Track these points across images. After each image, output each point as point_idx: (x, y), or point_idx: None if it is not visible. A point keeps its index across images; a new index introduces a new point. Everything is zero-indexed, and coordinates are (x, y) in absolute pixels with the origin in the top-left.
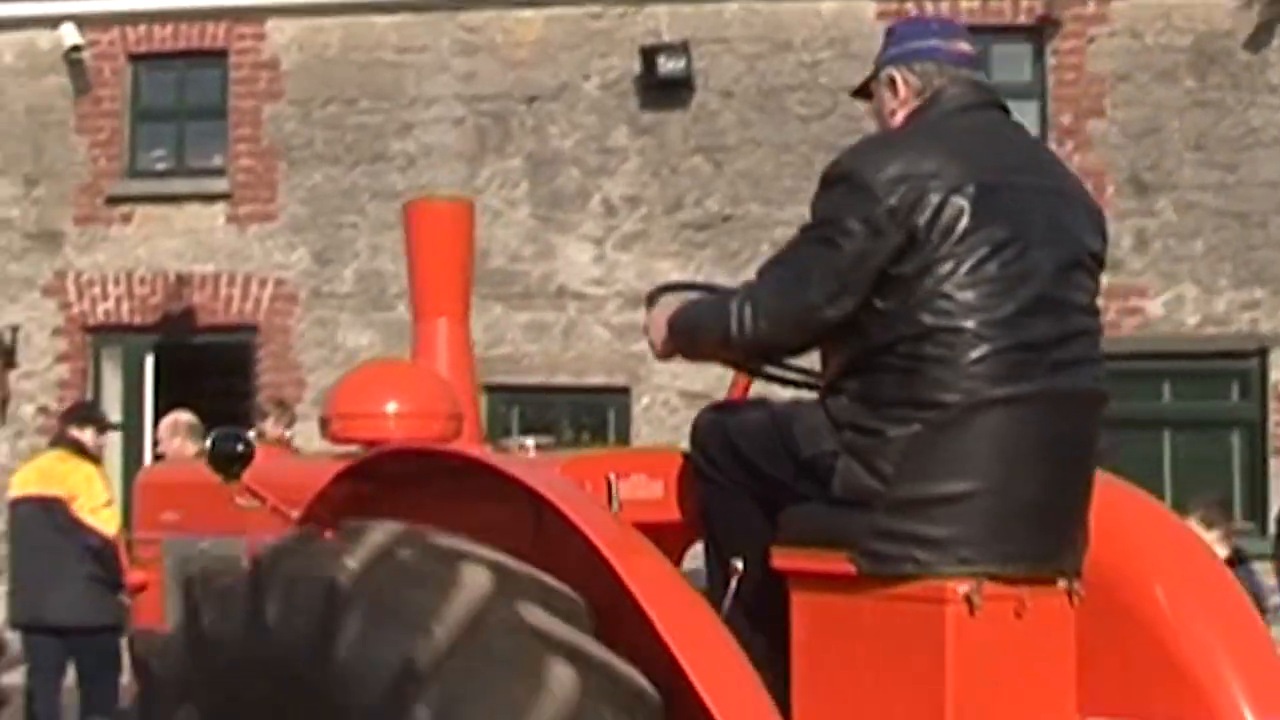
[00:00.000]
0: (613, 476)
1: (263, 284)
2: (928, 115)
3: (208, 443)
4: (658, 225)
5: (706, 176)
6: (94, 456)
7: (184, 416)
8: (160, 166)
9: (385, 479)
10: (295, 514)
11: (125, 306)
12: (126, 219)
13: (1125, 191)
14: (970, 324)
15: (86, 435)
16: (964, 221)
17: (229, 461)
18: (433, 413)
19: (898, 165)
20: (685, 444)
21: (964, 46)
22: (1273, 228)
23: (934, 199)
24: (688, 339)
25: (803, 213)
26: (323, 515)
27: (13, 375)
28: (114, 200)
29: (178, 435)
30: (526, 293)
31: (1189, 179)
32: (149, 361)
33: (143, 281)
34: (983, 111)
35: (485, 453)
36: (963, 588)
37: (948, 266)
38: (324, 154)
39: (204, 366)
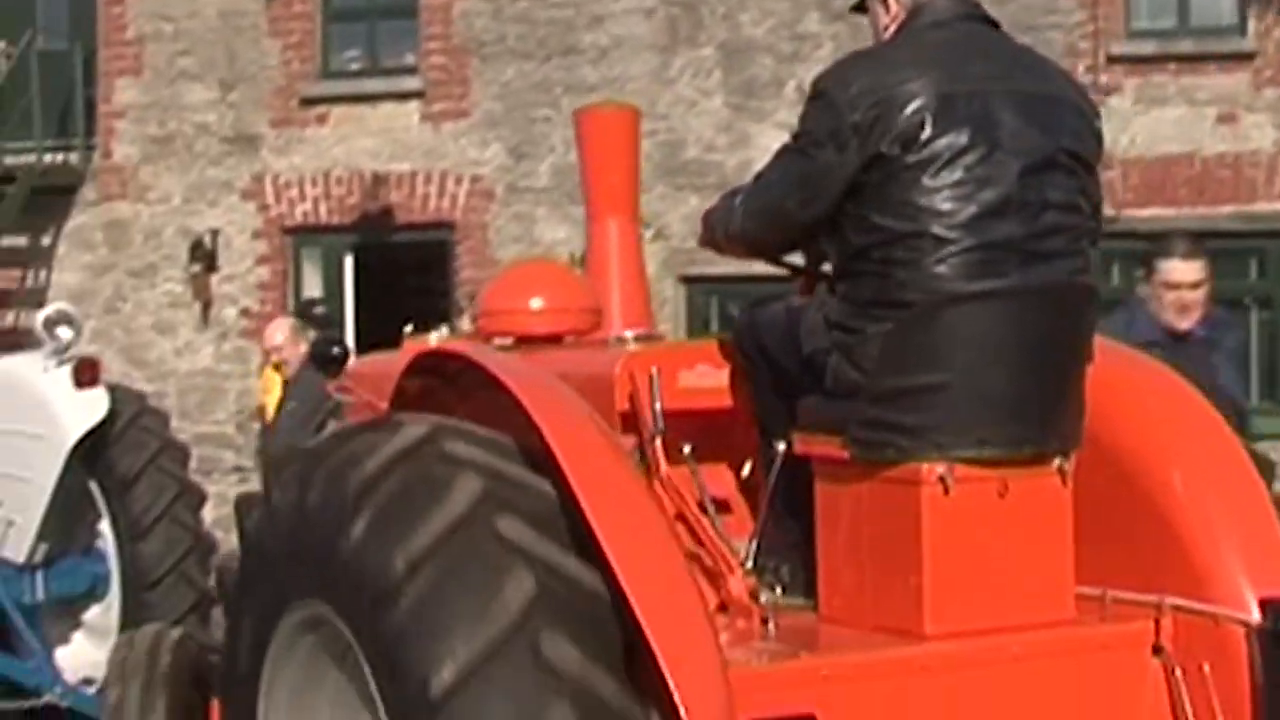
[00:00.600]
0: (654, 369)
1: (459, 181)
2: (907, 30)
3: (306, 348)
4: None
5: None
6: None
7: (288, 321)
8: (353, 67)
9: (444, 374)
10: (383, 406)
11: (323, 207)
12: (322, 120)
13: None
14: (935, 228)
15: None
16: (926, 130)
17: (326, 363)
18: (568, 308)
19: (864, 81)
20: None
21: None
22: None
23: (897, 111)
24: (709, 233)
25: None
26: (401, 408)
27: (214, 279)
28: (308, 102)
29: (300, 341)
30: (722, 182)
31: None
32: (348, 261)
33: (339, 182)
34: (962, 23)
35: (477, 348)
36: (938, 469)
37: (913, 174)
38: (516, 49)
39: (402, 264)
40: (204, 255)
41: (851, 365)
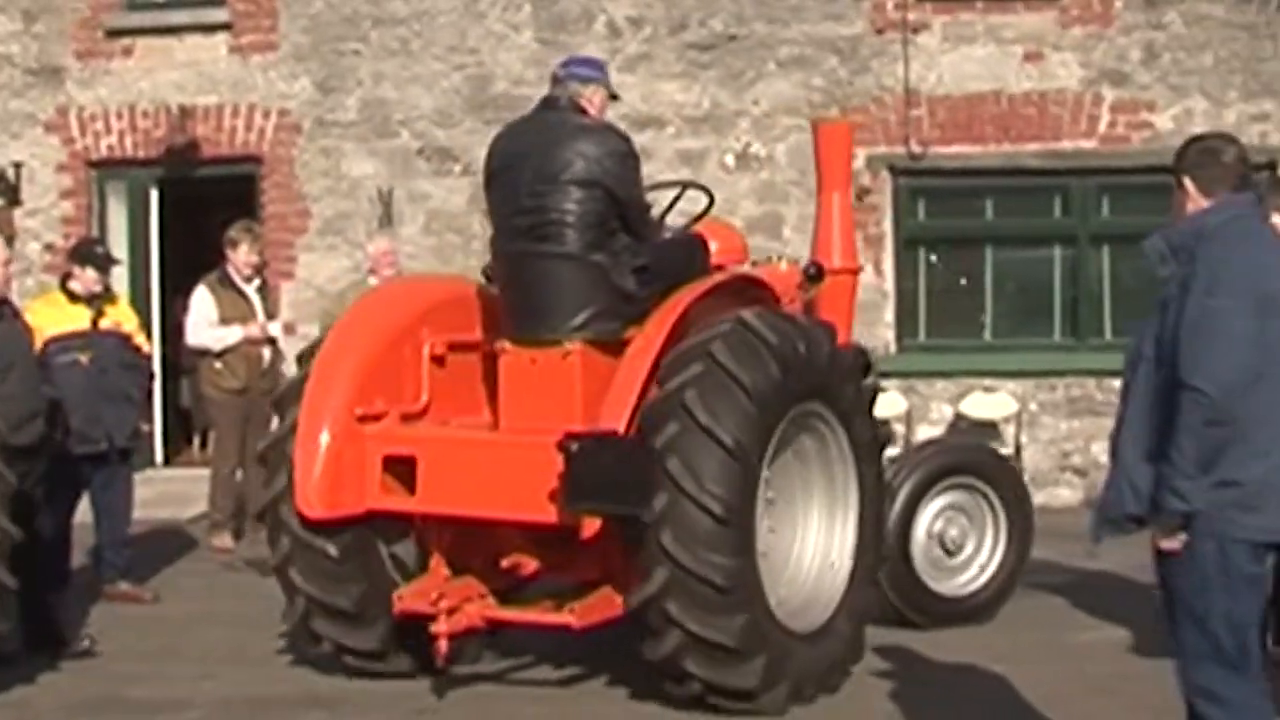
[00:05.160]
0: None
1: (266, 114)
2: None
3: None
4: (662, 46)
5: None
6: (84, 298)
7: None
8: None
9: None
10: None
11: (128, 140)
12: (127, 52)
13: (1134, 4)
14: (495, 218)
15: (87, 275)
16: (491, 169)
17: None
18: (729, 249)
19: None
20: None
21: (557, 71)
22: None
23: (488, 159)
24: None
25: (807, 30)
26: None
27: (17, 213)
28: (114, 33)
29: None
30: None
31: None
32: (153, 195)
33: (145, 115)
34: (540, 110)
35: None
36: (504, 345)
37: (490, 192)
38: None
39: (209, 199)
40: (7, 189)
41: None
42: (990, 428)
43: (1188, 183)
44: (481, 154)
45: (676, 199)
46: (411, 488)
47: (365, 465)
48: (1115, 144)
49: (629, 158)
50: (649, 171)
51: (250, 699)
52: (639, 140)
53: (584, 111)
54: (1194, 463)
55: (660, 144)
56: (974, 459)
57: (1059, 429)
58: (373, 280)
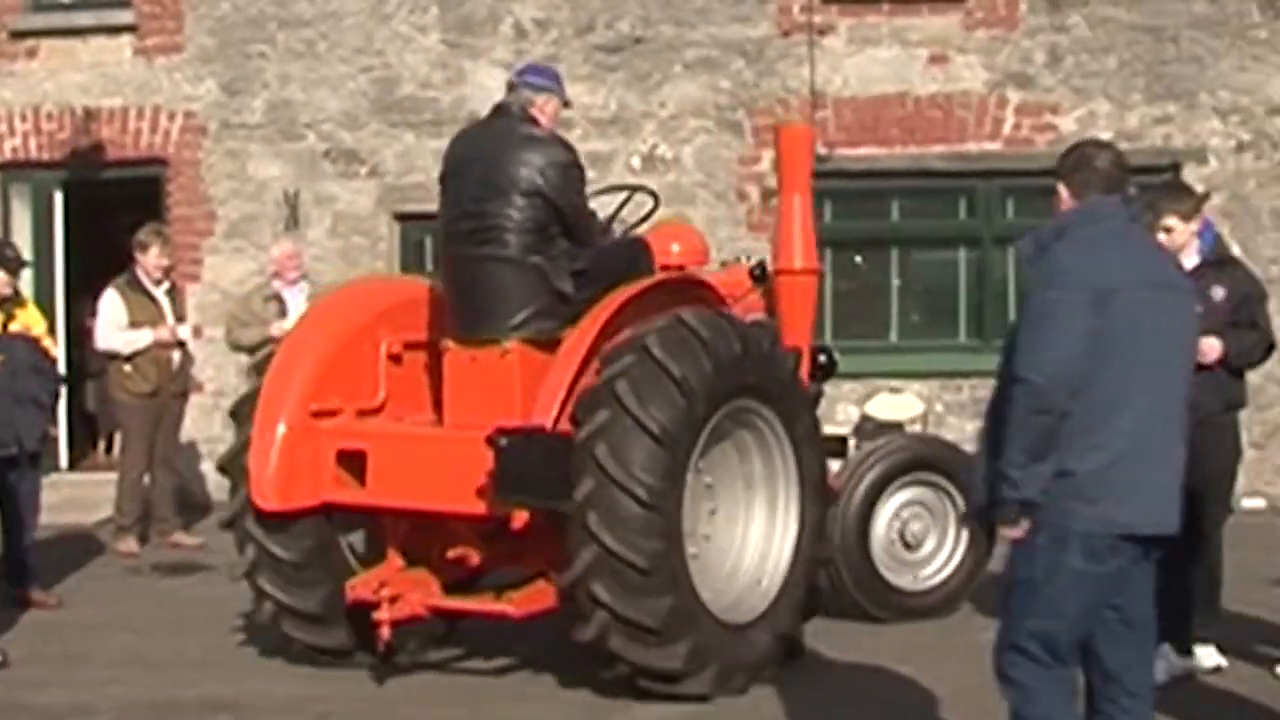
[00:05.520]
0: None
1: (171, 116)
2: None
3: None
4: (569, 48)
5: None
6: None
7: None
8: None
9: None
10: None
11: (32, 143)
12: (31, 54)
13: (1038, 7)
14: (441, 222)
15: None
16: (442, 175)
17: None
18: (690, 250)
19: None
20: None
21: (512, 79)
22: (1184, 42)
23: (443, 165)
24: None
25: (714, 33)
26: None
27: None
28: (18, 35)
29: None
30: (437, 120)
31: None
32: (58, 198)
33: (50, 117)
34: (492, 116)
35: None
36: (448, 344)
37: (441, 195)
38: None
39: (114, 201)
40: None
41: None
42: (896, 429)
43: (1061, 188)
44: (388, 156)
45: (624, 203)
46: (363, 481)
47: (320, 459)
48: (1019, 146)
49: (572, 168)
50: None
51: (156, 704)
52: None
53: (534, 120)
54: (1022, 451)
55: None
56: (938, 455)
57: (965, 430)
58: (276, 284)
